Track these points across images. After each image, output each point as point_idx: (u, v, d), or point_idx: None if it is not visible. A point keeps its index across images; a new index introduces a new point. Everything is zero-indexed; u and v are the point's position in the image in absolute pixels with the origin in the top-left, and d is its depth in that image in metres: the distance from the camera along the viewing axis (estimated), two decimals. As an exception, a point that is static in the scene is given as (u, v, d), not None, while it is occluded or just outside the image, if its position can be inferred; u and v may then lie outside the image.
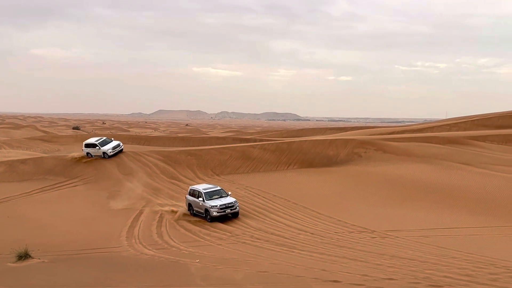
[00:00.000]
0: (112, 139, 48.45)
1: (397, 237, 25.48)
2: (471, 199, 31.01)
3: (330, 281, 18.27)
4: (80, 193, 39.60)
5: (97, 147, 45.74)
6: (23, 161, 47.55)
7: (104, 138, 48.42)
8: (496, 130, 60.96)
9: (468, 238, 24.98)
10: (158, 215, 33.07)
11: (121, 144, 47.80)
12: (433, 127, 75.18)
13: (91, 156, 45.97)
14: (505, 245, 23.68)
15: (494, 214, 28.65)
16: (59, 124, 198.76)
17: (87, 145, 46.66)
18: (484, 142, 50.00)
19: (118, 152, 46.32)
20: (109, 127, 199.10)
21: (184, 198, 34.29)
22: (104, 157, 45.29)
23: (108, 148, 45.87)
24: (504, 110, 76.23)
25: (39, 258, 24.61)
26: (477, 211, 29.31)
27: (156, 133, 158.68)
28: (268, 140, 61.67)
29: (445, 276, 18.45)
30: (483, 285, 17.03)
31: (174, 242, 27.43)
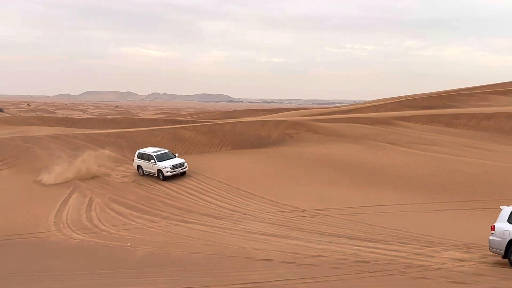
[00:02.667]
0: (176, 155, 37.37)
1: (326, 215, 26.12)
2: (396, 177, 32.16)
3: (263, 260, 18.54)
4: (5, 178, 38.02)
5: (152, 161, 35.92)
6: None
7: (166, 151, 37.67)
8: (420, 110, 63.39)
9: (394, 215, 25.96)
10: (88, 198, 32.32)
11: (185, 163, 36.03)
12: (361, 108, 77.28)
13: (142, 172, 36.66)
14: (428, 221, 24.79)
15: (418, 191, 29.87)
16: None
17: (141, 156, 37.11)
18: (409, 122, 51.88)
19: (179, 174, 35.64)
20: (34, 109, 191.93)
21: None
22: (158, 177, 35.51)
23: (166, 165, 35.36)
24: (429, 91, 79.17)
25: (-40, 246, 23.53)
26: (402, 188, 30.45)
27: (84, 115, 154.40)
28: (200, 122, 61.37)
29: (372, 252, 19.13)
30: (408, 259, 17.78)
31: (104, 225, 26.93)
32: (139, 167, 36.71)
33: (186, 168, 35.66)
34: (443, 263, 17.18)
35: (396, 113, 61.39)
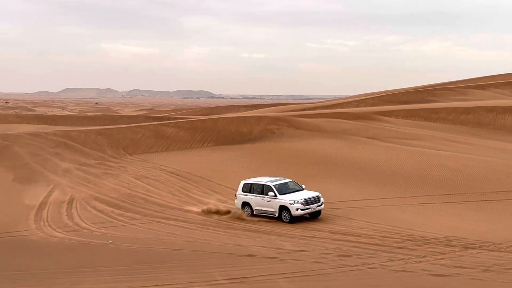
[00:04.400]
0: (303, 186, 26.53)
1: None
2: (377, 172, 32.40)
3: (245, 255, 18.55)
4: (-18, 177, 37.53)
5: (271, 194, 25.43)
6: None
7: (288, 180, 27.17)
8: (401, 105, 63.96)
9: (375, 209, 26.15)
10: (68, 196, 32.01)
11: (321, 198, 25.18)
12: (342, 103, 77.76)
13: (251, 212, 25.87)
14: (409, 215, 25.02)
15: (399, 185, 30.13)
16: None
17: (249, 188, 26.55)
18: (390, 117, 52.30)
19: (314, 214, 25.03)
20: (13, 106, 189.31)
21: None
22: (279, 218, 24.92)
23: (294, 199, 24.79)
24: (409, 86, 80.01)
25: None
26: (383, 183, 30.69)
27: (63, 113, 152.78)
28: (182, 119, 61.16)
29: (354, 246, 19.27)
30: (390, 253, 17.94)
31: (86, 223, 26.69)
32: (245, 204, 26.21)
33: (323, 206, 25.04)
34: (424, 256, 17.37)
35: (376, 108, 61.84)
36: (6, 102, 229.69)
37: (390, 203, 27.24)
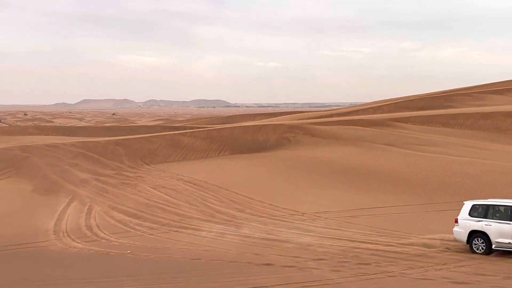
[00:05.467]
0: None
1: (326, 218, 26.10)
2: (395, 179, 32.18)
3: (263, 264, 18.49)
4: (3, 188, 37.93)
5: None
6: None
7: None
8: (417, 111, 63.50)
9: (394, 216, 25.97)
10: (87, 206, 32.23)
11: None
12: (358, 110, 77.43)
13: (488, 246, 19.03)
14: (428, 222, 24.81)
15: (417, 192, 29.90)
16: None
17: (485, 211, 19.83)
18: (407, 123, 51.97)
19: None
20: (31, 118, 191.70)
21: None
22: None
23: None
24: (425, 92, 79.37)
25: (-41, 257, 23.43)
26: (401, 190, 30.47)
27: (81, 124, 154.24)
28: (198, 128, 61.38)
29: (373, 254, 19.12)
30: (409, 261, 17.78)
31: (104, 233, 26.85)
32: (473, 234, 19.46)
33: None
34: (444, 264, 17.18)
35: (393, 114, 61.48)
36: (25, 114, 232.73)
37: (408, 211, 27.03)
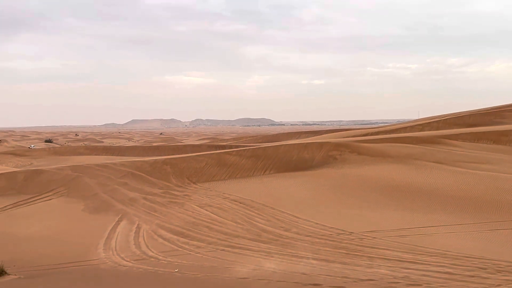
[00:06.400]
0: None
1: (374, 237, 25.67)
2: (445, 197, 31.43)
3: (311, 284, 18.31)
4: (55, 207, 39.03)
5: None
6: (-5, 177, 46.71)
7: None
8: (467, 128, 62.03)
9: (444, 236, 25.30)
10: (135, 225, 32.76)
11: None
12: (406, 127, 76.22)
13: None
14: (480, 242, 24.05)
15: (468, 211, 29.09)
16: (31, 137, 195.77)
17: None
18: (457, 140, 50.79)
19: None
20: (82, 139, 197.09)
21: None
22: None
23: None
24: (474, 108, 77.56)
25: (15, 274, 24.12)
26: (451, 209, 29.71)
27: (130, 143, 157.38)
28: (243, 146, 61.70)
29: (424, 275, 18.65)
30: (461, 282, 17.26)
31: (152, 252, 27.18)
32: None
33: None
34: (498, 285, 16.61)
35: (442, 131, 60.23)
36: (76, 134, 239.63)
37: (459, 230, 26.29)
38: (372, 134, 69.78)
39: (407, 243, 24.31)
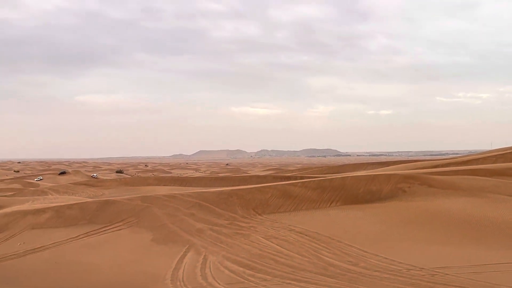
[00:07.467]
0: None
1: (446, 274, 24.70)
2: (523, 233, 29.90)
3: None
4: (124, 237, 40.01)
5: None
6: (69, 207, 48.54)
7: None
8: (544, 159, 59.10)
9: (523, 274, 24.00)
10: (202, 256, 33.05)
11: None
12: (478, 159, 73.47)
13: None
14: (562, 281, 22.63)
15: (549, 248, 27.51)
16: (102, 168, 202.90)
17: None
18: (533, 172, 48.41)
19: None
20: (151, 169, 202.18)
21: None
22: None
23: None
24: (552, 139, 74.04)
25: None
26: (530, 245, 28.20)
27: (197, 174, 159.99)
28: (309, 177, 61.35)
29: (500, 315, 17.73)
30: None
31: (219, 284, 27.28)
32: None
33: None
34: None
35: (517, 163, 57.64)
36: (146, 165, 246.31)
37: (539, 268, 24.86)
38: (442, 165, 67.70)
39: (482, 280, 23.23)
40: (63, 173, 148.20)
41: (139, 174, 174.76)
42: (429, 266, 26.17)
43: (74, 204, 49.39)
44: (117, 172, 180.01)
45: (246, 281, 27.33)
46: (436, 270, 25.46)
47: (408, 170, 59.67)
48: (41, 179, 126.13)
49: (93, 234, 41.56)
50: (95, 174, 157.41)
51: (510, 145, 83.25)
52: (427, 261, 27.03)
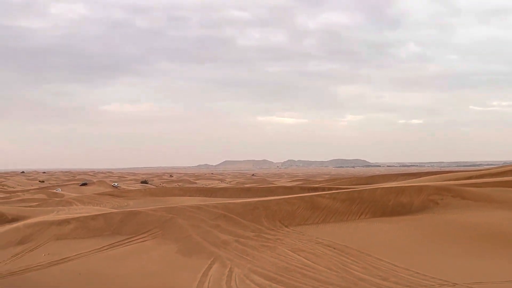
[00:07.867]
0: None
1: (483, 291, 23.60)
2: None
3: None
4: (149, 248, 39.60)
5: None
6: (93, 217, 48.40)
7: None
8: None
9: None
10: (227, 269, 32.40)
11: None
12: (512, 170, 71.39)
13: None
14: None
15: None
16: (127, 178, 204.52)
17: None
18: None
19: None
20: (176, 179, 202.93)
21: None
22: None
23: None
24: None
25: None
26: None
27: (222, 185, 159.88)
28: (337, 189, 60.31)
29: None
30: None
31: (244, 298, 26.56)
32: None
33: None
34: None
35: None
36: (171, 175, 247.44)
37: None
38: (476, 177, 65.79)
39: (521, 299, 22.08)
40: (84, 184, 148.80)
41: (164, 184, 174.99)
42: (463, 281, 25.15)
43: (99, 215, 49.24)
44: (142, 182, 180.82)
45: (272, 296, 26.56)
46: (470, 285, 24.45)
47: (441, 181, 58.15)
48: (59, 191, 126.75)
49: (117, 246, 41.24)
50: (116, 183, 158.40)
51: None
52: (460, 276, 26.00)
